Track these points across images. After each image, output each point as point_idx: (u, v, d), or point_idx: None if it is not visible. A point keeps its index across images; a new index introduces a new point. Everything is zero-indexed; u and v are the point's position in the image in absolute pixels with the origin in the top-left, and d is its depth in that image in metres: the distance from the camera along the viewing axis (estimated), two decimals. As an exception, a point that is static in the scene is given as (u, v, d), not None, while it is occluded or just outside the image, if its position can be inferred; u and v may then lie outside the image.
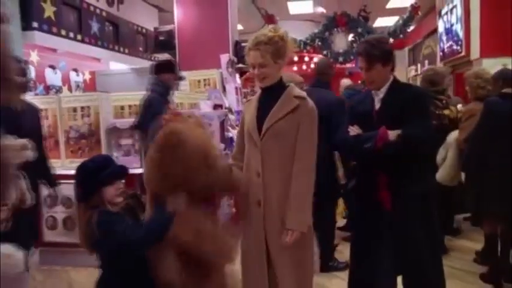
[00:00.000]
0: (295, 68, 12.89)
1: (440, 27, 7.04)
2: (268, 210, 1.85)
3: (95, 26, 5.26)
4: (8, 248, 1.21)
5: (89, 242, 1.52)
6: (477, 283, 2.98)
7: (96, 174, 1.59)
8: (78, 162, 3.74)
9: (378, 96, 2.16)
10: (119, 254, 1.52)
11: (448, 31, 6.56)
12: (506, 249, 2.93)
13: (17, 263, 1.19)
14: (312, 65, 12.21)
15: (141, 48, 6.62)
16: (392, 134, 2.01)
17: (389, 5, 8.78)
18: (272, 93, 1.91)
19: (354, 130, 2.16)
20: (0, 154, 1.19)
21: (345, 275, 3.06)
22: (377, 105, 2.16)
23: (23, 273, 1.38)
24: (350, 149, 2.26)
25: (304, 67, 12.79)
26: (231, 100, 4.87)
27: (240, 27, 5.88)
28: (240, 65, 5.74)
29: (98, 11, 5.37)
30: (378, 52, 2.10)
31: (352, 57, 7.60)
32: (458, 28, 6.08)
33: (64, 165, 3.67)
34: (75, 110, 3.61)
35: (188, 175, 1.50)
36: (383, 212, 2.09)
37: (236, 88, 5.14)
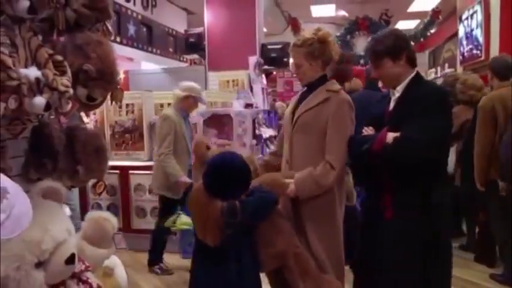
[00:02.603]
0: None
1: (461, 31, 7.18)
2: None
3: (131, 29, 5.63)
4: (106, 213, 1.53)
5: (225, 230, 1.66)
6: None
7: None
8: (121, 154, 4.13)
9: (394, 96, 1.96)
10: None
11: (468, 35, 6.71)
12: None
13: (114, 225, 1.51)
14: (332, 67, 12.46)
15: (171, 49, 6.98)
16: (390, 137, 1.81)
17: (410, 9, 8.93)
18: (311, 89, 2.06)
19: (367, 131, 1.99)
20: (102, 141, 1.51)
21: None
22: (391, 106, 1.96)
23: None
24: (351, 150, 1.99)
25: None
26: (257, 100, 5.17)
27: (263, 29, 6.16)
28: (266, 67, 6.02)
29: (134, 14, 5.74)
30: (383, 47, 1.90)
31: (372, 60, 7.81)
32: (478, 33, 6.23)
33: (109, 157, 4.05)
34: (120, 106, 3.97)
35: None
36: (382, 221, 1.91)
37: (262, 89, 5.44)
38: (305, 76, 2.07)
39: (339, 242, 2.02)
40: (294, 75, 2.18)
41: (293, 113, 2.08)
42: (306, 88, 2.14)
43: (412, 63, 1.93)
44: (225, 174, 1.69)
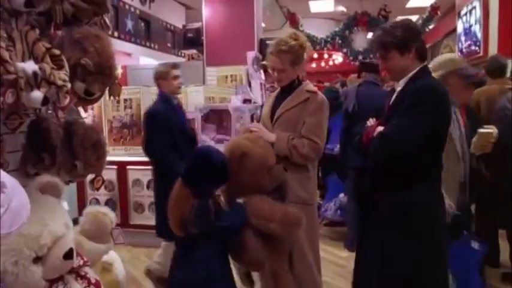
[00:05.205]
0: (313, 65, 13.14)
1: (459, 27, 7.18)
2: None
3: (129, 24, 5.60)
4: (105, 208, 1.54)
5: (189, 223, 1.60)
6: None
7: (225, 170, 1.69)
8: (119, 149, 4.13)
9: (397, 89, 1.93)
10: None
11: (467, 31, 6.71)
12: None
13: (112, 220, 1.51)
14: (331, 63, 12.43)
15: (169, 44, 6.95)
16: (377, 131, 1.83)
17: (409, 5, 8.92)
18: (288, 90, 2.17)
19: (370, 122, 1.98)
20: (100, 135, 1.51)
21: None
22: (392, 99, 1.93)
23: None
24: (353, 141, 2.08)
25: (322, 64, 13.01)
26: (256, 95, 5.16)
27: (262, 24, 6.13)
28: (264, 62, 6.00)
29: (132, 9, 5.71)
30: (391, 38, 1.83)
31: (371, 56, 7.81)
32: (477, 29, 6.23)
33: (107, 152, 4.05)
34: (118, 101, 3.96)
35: (253, 180, 1.81)
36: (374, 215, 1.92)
37: (261, 84, 5.42)
38: (286, 79, 2.15)
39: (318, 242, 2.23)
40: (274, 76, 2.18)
41: (271, 111, 2.20)
42: (279, 89, 2.24)
43: (421, 56, 1.86)
44: (197, 166, 1.66)
